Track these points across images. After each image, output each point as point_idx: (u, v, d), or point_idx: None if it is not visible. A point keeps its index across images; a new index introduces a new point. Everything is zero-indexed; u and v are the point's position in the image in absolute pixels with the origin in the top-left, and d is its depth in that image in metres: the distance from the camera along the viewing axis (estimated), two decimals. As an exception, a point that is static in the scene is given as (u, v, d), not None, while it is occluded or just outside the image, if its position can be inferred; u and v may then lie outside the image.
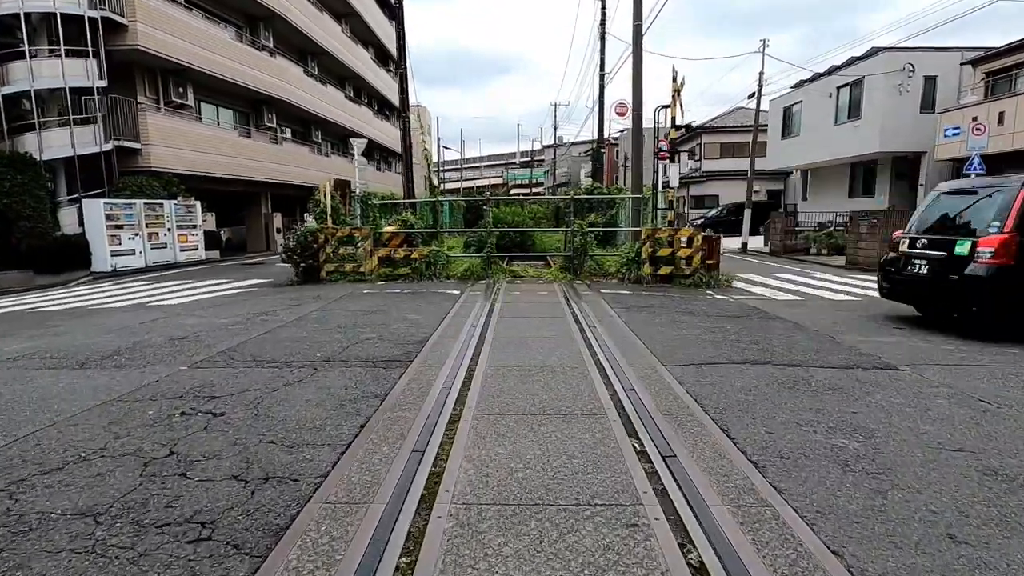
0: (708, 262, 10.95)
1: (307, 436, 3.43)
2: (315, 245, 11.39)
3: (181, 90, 20.15)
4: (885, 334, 6.52)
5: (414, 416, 3.75)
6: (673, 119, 10.97)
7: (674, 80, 10.84)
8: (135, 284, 12.42)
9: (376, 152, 40.86)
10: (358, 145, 16.29)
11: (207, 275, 14.20)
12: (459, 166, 69.90)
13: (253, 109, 25.14)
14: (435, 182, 21.62)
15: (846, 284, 11.23)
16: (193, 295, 10.16)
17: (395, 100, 39.33)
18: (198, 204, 18.92)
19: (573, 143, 58.22)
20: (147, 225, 16.78)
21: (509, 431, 3.49)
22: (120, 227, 15.87)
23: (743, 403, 4.04)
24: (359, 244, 11.78)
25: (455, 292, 9.89)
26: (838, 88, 24.43)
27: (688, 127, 11.20)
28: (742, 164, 36.45)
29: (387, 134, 38.59)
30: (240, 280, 12.61)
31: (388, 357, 5.35)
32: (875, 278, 7.83)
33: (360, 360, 5.24)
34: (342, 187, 13.82)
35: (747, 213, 23.02)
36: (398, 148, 36.48)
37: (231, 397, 4.17)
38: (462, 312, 7.84)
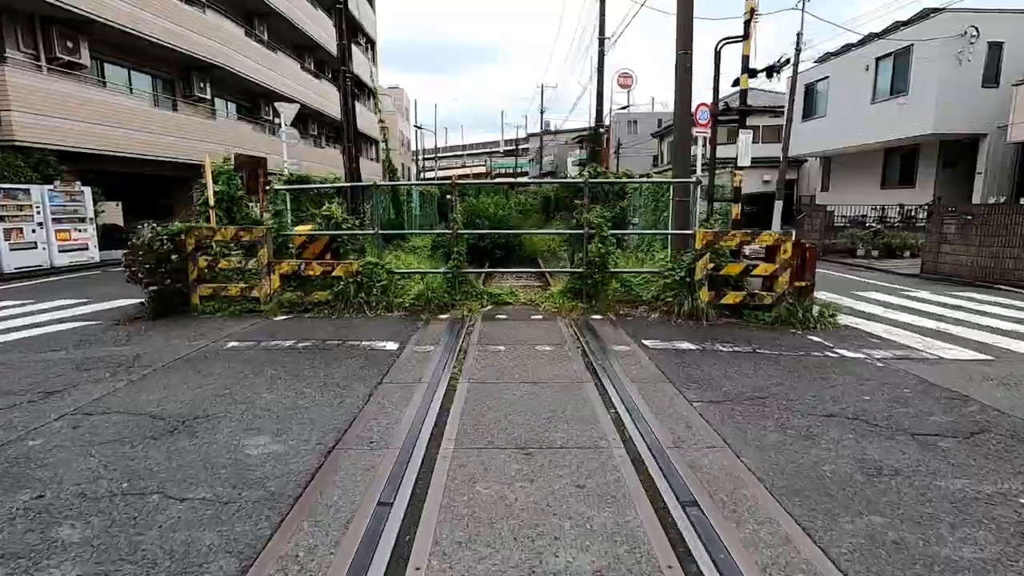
0: (798, 284, 6.98)
1: None
2: (175, 256, 6.96)
3: (71, 45, 15.62)
4: None
5: None
6: (745, 59, 6.89)
7: (748, -3, 6.77)
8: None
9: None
10: (286, 112, 12.08)
11: (63, 290, 9.89)
12: (435, 153, 65.15)
13: (181, 76, 20.58)
14: (393, 164, 17.29)
15: (994, 313, 7.33)
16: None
17: (367, 79, 34.92)
18: (87, 191, 14.45)
19: (559, 131, 54.36)
20: (4, 218, 12.43)
21: None
22: (-43, 221, 11.54)
23: None
24: (260, 252, 7.57)
25: (390, 347, 5.66)
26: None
27: (773, 69, 7.05)
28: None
29: (359, 116, 34.16)
30: (92, 303, 8.32)
31: None
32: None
33: None
34: (251, 166, 9.47)
35: (778, 205, 19.15)
36: (373, 132, 32.13)
37: None
38: (380, 421, 3.69)
